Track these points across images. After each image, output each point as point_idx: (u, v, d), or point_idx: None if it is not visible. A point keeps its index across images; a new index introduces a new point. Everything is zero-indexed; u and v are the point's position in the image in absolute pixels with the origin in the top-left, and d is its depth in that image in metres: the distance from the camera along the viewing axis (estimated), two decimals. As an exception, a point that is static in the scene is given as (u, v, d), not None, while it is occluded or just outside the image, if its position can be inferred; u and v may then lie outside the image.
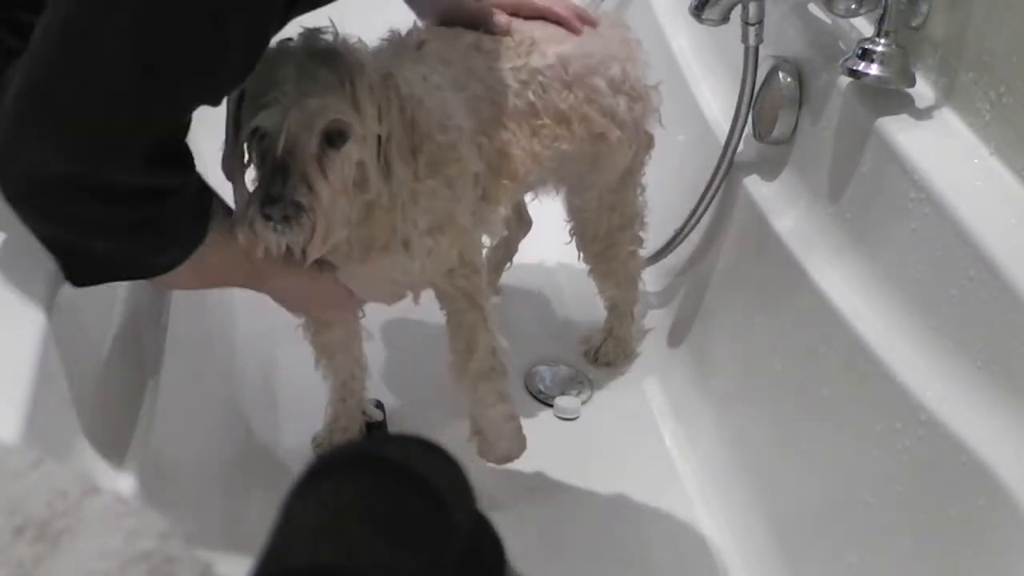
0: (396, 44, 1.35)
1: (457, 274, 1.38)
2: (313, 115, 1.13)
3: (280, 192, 1.13)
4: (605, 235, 1.64)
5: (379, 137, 1.19)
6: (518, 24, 1.43)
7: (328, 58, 1.16)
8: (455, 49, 1.37)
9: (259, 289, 1.31)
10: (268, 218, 1.13)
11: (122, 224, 1.09)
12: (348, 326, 1.48)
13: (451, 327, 1.43)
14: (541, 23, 1.46)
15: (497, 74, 1.38)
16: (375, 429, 1.56)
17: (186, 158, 1.13)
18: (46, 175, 1.04)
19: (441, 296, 1.42)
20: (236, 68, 1.10)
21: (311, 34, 1.19)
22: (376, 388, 1.58)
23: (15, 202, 1.06)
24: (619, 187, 1.60)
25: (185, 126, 1.11)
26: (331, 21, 1.21)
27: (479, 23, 1.41)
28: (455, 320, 1.43)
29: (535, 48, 1.42)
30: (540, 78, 1.41)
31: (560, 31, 1.46)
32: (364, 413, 1.55)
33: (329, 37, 1.20)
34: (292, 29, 1.19)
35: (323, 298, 1.38)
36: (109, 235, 1.10)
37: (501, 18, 1.42)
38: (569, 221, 1.66)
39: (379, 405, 1.58)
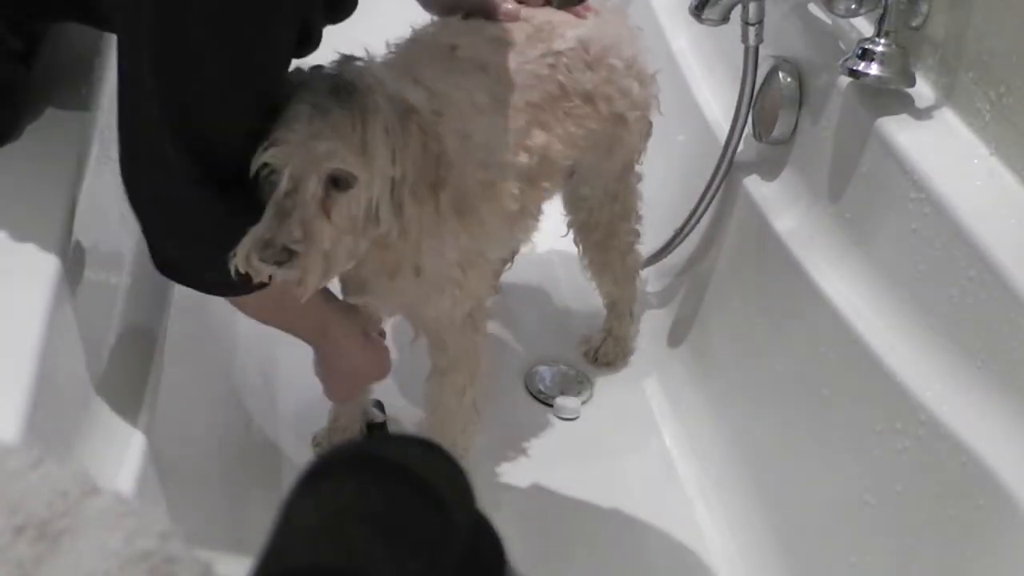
0: (426, 48, 1.34)
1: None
2: (318, 160, 1.13)
3: (273, 238, 1.12)
4: (607, 223, 1.65)
5: (393, 178, 1.19)
6: (528, 11, 1.43)
7: (346, 95, 1.15)
8: (485, 48, 1.36)
9: (319, 347, 1.39)
10: (263, 260, 1.13)
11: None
12: None
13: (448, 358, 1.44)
14: (547, 8, 1.46)
15: (530, 67, 1.38)
16: (376, 429, 1.56)
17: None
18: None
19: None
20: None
21: (338, 65, 1.19)
22: (377, 389, 1.57)
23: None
24: (621, 175, 1.61)
25: None
26: (366, 51, 1.22)
27: (487, 11, 1.40)
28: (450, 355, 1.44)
29: (555, 31, 1.42)
30: (564, 60, 1.41)
31: (569, 15, 1.46)
32: (365, 414, 1.55)
33: (360, 64, 1.19)
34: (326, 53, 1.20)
35: (373, 368, 1.44)
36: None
37: (509, 5, 1.41)
38: (569, 214, 1.65)
39: (379, 405, 1.58)
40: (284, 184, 1.12)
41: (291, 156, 1.12)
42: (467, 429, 1.46)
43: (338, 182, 1.15)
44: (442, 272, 1.31)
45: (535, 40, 1.40)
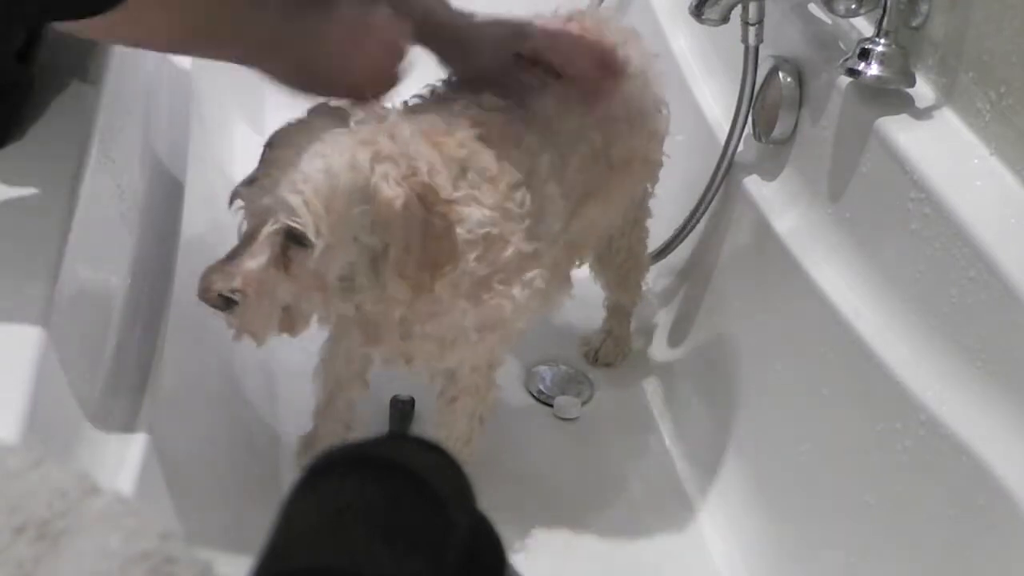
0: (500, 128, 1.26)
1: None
2: (277, 210, 1.10)
3: (212, 281, 1.10)
4: (627, 249, 1.65)
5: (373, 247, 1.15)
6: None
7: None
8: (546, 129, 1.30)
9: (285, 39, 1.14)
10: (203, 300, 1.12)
11: None
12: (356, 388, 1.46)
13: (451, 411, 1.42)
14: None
15: (580, 143, 1.35)
16: (401, 406, 1.56)
17: None
18: None
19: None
20: None
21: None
22: (386, 387, 1.57)
23: None
24: (642, 200, 1.61)
25: None
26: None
27: (514, 91, 1.30)
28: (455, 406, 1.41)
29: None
30: (610, 125, 1.39)
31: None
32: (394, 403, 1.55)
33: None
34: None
35: (377, 48, 1.19)
36: None
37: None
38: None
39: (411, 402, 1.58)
40: (244, 229, 1.11)
41: (257, 200, 1.10)
42: (472, 441, 1.44)
43: (299, 238, 1.11)
44: (449, 336, 1.28)
45: (576, 107, 1.35)
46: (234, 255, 1.11)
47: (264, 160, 1.12)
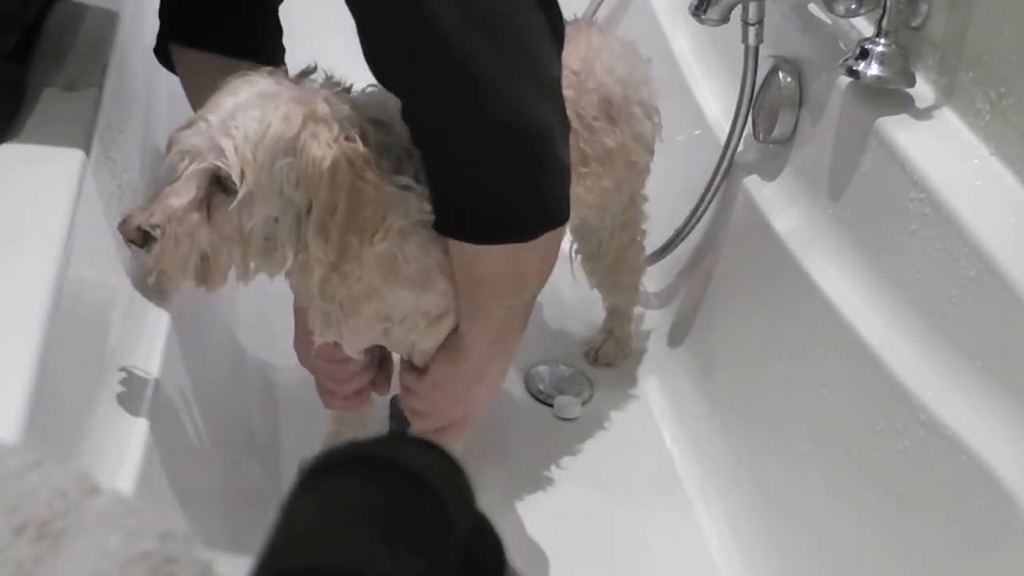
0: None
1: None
2: (206, 152, 1.09)
3: (132, 215, 1.09)
4: (616, 250, 1.64)
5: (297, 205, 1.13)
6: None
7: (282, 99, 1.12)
8: None
9: (502, 351, 1.30)
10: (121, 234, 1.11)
11: None
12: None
13: None
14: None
15: None
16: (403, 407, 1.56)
17: None
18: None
19: None
20: None
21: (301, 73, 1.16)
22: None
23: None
24: (629, 204, 1.60)
25: None
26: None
27: None
28: None
29: (583, 87, 1.39)
30: (589, 121, 1.39)
31: (586, 48, 1.43)
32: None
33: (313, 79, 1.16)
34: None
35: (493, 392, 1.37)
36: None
37: None
38: (576, 242, 1.64)
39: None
40: (165, 167, 1.10)
41: (186, 141, 1.10)
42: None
43: (224, 183, 1.10)
44: (396, 318, 1.26)
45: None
46: (154, 197, 1.11)
47: (215, 105, 1.12)
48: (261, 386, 1.64)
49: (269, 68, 1.16)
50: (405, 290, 1.23)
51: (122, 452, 1.12)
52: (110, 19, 1.42)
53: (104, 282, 1.25)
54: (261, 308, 1.55)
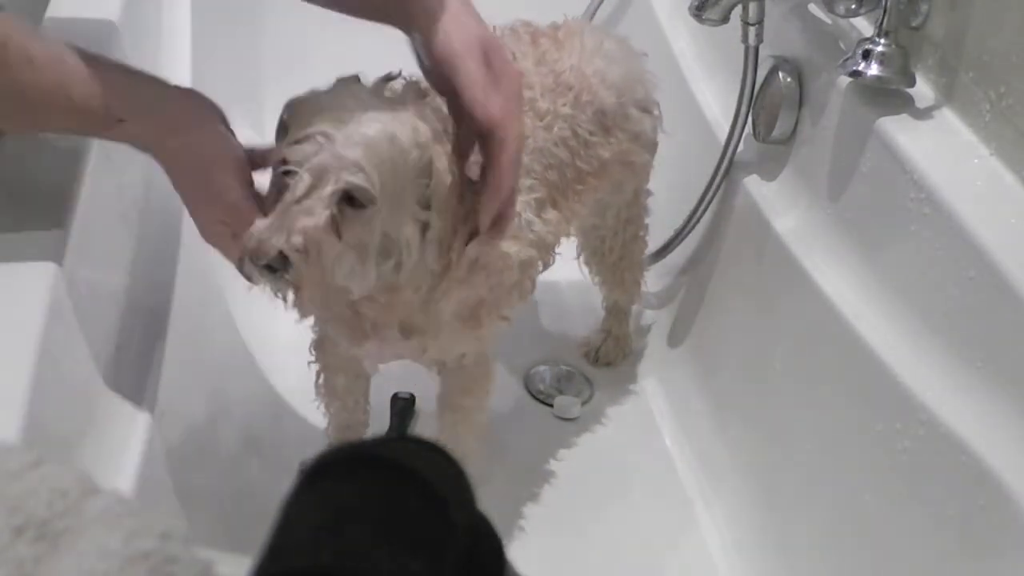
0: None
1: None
2: (341, 169, 1.04)
3: (269, 241, 1.04)
4: (620, 247, 1.65)
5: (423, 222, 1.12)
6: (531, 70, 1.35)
7: (398, 106, 1.09)
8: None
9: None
10: (255, 263, 1.06)
11: None
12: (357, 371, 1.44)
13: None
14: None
15: (557, 151, 1.35)
16: (400, 402, 1.56)
17: None
18: None
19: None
20: None
21: (383, 80, 1.13)
22: (386, 386, 1.57)
23: None
24: (633, 200, 1.61)
25: None
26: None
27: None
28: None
29: (579, 98, 1.38)
30: (582, 132, 1.38)
31: (579, 55, 1.42)
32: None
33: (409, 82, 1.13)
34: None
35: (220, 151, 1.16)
36: None
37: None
38: (579, 240, 1.65)
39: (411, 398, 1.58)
40: (300, 186, 1.04)
41: (309, 157, 1.04)
42: (481, 436, 1.44)
43: (353, 200, 1.05)
44: (452, 324, 1.26)
45: (558, 118, 1.35)
46: (280, 216, 1.04)
47: (300, 123, 1.07)
48: (261, 386, 1.64)
49: (354, 75, 1.12)
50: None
51: (122, 452, 1.12)
52: (107, 28, 1.42)
53: (104, 282, 1.25)
54: (261, 308, 1.54)
